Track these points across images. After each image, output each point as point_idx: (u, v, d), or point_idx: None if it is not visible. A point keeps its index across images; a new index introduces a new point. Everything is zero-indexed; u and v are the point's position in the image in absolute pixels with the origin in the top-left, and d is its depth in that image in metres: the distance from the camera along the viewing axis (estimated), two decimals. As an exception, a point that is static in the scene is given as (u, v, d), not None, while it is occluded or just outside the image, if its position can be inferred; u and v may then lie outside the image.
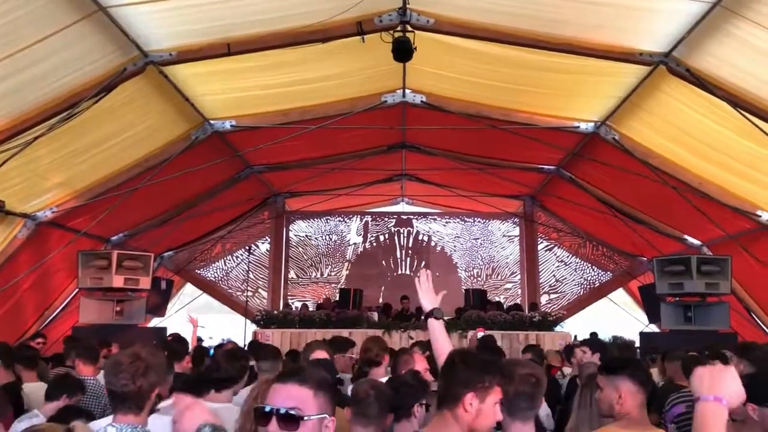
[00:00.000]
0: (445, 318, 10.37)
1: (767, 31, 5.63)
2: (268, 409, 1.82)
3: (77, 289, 10.48)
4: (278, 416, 1.79)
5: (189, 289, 15.31)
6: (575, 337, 11.09)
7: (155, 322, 12.39)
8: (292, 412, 1.79)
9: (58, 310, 10.73)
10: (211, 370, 3.62)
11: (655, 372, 6.45)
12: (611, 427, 2.83)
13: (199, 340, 10.77)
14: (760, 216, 9.01)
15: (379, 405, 3.00)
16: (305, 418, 1.79)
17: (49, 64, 6.26)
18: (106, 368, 2.74)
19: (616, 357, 3.43)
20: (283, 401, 1.82)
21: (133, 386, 2.57)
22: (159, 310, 12.29)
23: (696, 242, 11.53)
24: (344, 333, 10.24)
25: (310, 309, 13.31)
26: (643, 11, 6.28)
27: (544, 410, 4.69)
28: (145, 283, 10.29)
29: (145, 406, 2.62)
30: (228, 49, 7.10)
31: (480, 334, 9.77)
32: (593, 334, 11.18)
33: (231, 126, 9.54)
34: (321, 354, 4.19)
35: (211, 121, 9.38)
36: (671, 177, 9.16)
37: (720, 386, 1.73)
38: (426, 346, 6.49)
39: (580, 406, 3.65)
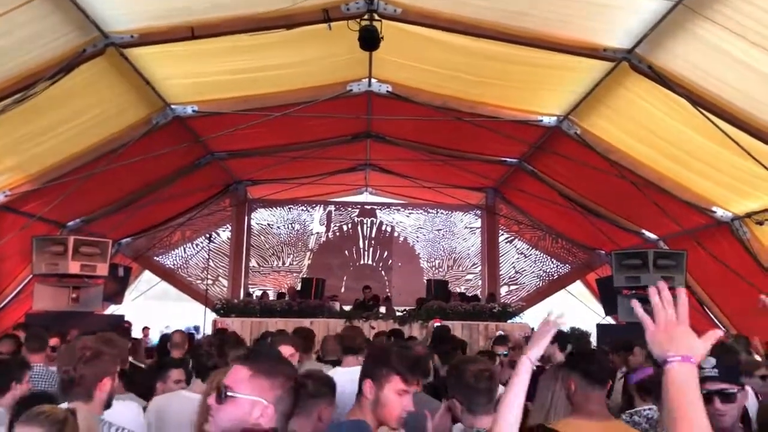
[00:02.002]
0: (406, 309, 10.35)
1: (728, 32, 5.74)
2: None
3: (31, 275, 10.21)
4: (215, 390, 1.88)
5: (147, 276, 15.07)
6: (532, 329, 11.22)
7: (112, 309, 12.16)
8: (222, 387, 1.85)
9: (10, 296, 10.44)
10: (204, 359, 3.45)
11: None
12: (569, 419, 2.86)
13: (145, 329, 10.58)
14: (715, 212, 9.25)
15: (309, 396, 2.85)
16: (229, 394, 1.83)
17: (4, 42, 6.05)
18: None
19: (574, 352, 3.44)
20: (225, 379, 1.90)
21: (74, 373, 2.54)
22: (116, 297, 12.08)
23: (653, 237, 11.78)
24: (305, 322, 10.23)
25: (271, 298, 13.21)
26: (608, 7, 6.34)
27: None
28: (102, 269, 10.08)
29: (92, 394, 2.56)
30: (192, 32, 6.95)
31: (436, 324, 9.85)
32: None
33: (193, 111, 9.37)
34: (286, 350, 3.93)
35: (173, 106, 9.19)
36: (631, 172, 9.32)
37: (683, 344, 1.57)
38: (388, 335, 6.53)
39: (540, 397, 3.67)
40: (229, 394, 1.84)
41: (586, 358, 2.97)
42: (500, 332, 9.97)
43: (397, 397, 2.42)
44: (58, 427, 1.84)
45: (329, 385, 3.01)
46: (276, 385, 1.88)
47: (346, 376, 3.64)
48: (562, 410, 3.16)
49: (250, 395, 1.84)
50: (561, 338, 6.53)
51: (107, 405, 2.66)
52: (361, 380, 2.53)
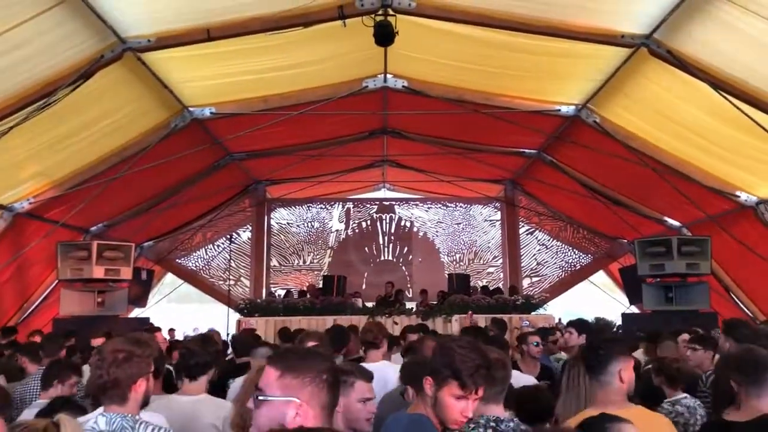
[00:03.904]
0: (431, 303, 10.31)
1: (749, 14, 5.65)
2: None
3: (57, 281, 10.34)
4: (252, 396, 1.87)
5: (169, 278, 15.19)
6: (559, 319, 11.16)
7: (136, 312, 12.28)
8: (256, 391, 1.84)
9: (38, 302, 10.58)
10: (186, 358, 3.56)
11: (639, 353, 6.51)
12: (588, 410, 2.83)
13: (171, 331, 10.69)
14: (739, 196, 9.13)
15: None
16: (260, 397, 1.81)
17: (24, 51, 6.12)
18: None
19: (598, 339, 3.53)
20: (259, 381, 1.88)
21: (107, 377, 2.55)
22: (140, 300, 12.18)
23: (676, 224, 11.65)
24: (329, 320, 10.26)
25: (295, 296, 13.26)
26: (625, -7, 6.29)
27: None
28: (126, 273, 10.17)
29: (127, 396, 2.57)
30: (208, 34, 6.98)
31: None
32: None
33: (210, 113, 9.41)
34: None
35: (191, 108, 9.24)
36: (652, 159, 9.22)
37: None
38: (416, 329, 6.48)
39: (568, 387, 3.64)
40: (260, 397, 1.81)
41: (590, 351, 3.06)
42: (525, 322, 9.92)
43: (455, 401, 2.33)
44: None
45: (367, 377, 2.97)
46: (306, 382, 1.82)
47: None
48: (583, 399, 3.19)
49: (281, 396, 1.80)
50: (588, 328, 6.50)
51: (144, 405, 2.68)
52: (423, 374, 2.49)
